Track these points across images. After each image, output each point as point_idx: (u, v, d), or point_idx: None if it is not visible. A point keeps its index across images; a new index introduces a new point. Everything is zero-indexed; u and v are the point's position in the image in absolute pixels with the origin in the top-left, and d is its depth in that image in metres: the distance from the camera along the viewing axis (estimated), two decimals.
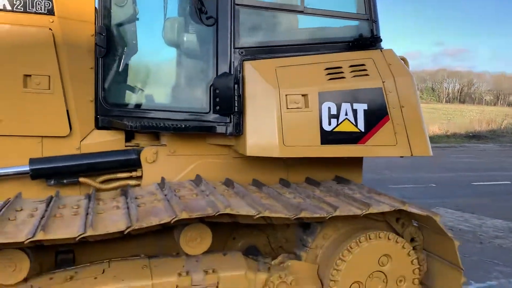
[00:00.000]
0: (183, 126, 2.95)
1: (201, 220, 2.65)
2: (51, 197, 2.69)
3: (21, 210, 2.48)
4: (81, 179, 3.06)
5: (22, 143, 3.00)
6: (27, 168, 2.90)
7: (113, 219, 2.32)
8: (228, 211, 2.35)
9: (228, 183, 3.09)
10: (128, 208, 2.49)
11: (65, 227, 2.19)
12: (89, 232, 2.10)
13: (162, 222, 2.23)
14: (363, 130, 3.10)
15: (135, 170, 3.17)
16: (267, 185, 3.12)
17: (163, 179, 3.05)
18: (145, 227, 2.25)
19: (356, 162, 3.67)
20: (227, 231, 3.30)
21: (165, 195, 2.67)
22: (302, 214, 2.51)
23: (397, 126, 3.16)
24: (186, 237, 2.63)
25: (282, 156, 2.94)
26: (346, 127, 3.07)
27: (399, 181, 11.22)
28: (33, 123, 2.98)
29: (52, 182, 3.00)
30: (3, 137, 2.93)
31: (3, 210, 2.40)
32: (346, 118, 3.08)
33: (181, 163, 3.22)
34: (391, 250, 2.87)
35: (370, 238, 2.83)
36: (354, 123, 3.08)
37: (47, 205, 2.50)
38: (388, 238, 2.86)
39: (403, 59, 3.42)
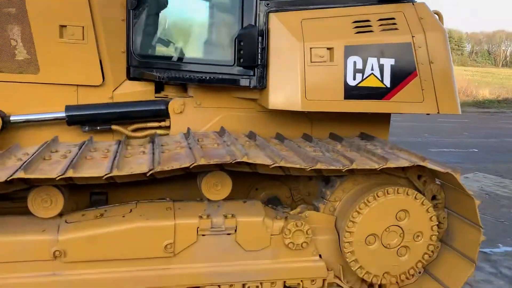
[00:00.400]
0: (208, 78, 3.03)
1: (222, 168, 2.77)
2: (84, 142, 2.88)
3: (56, 151, 2.68)
4: (114, 127, 3.23)
5: (60, 91, 3.18)
6: (63, 115, 3.09)
7: (138, 162, 2.47)
8: (244, 159, 2.44)
9: (251, 135, 3.18)
10: (153, 153, 2.63)
11: (93, 167, 2.36)
12: (115, 172, 2.26)
13: (182, 166, 2.36)
14: (388, 86, 3.05)
15: (164, 120, 3.31)
16: (289, 139, 3.17)
17: (189, 129, 3.17)
18: (167, 171, 2.39)
19: (383, 120, 3.64)
20: (250, 182, 3.43)
21: (188, 144, 2.79)
22: (318, 166, 2.56)
23: (424, 82, 3.10)
24: (207, 184, 2.76)
25: (304, 110, 2.97)
26: (372, 82, 3.04)
27: (441, 145, 10.95)
28: (68, 72, 3.15)
29: (87, 128, 3.19)
30: (42, 85, 3.12)
31: (40, 150, 2.61)
32: (372, 73, 3.04)
33: (206, 115, 3.32)
34: (409, 205, 2.89)
35: (388, 193, 2.85)
36: (380, 78, 3.04)
37: (80, 148, 2.69)
38: (407, 194, 2.88)
39: (437, 13, 3.29)
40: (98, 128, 3.21)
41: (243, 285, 2.84)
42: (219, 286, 2.80)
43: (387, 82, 3.05)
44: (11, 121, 3.06)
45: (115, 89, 3.29)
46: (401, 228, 2.92)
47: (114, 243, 2.58)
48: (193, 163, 2.37)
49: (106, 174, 2.27)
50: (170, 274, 2.70)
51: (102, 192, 3.16)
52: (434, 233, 2.97)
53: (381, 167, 2.65)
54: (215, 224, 2.71)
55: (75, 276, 2.57)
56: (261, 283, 2.87)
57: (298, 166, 2.56)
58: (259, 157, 2.53)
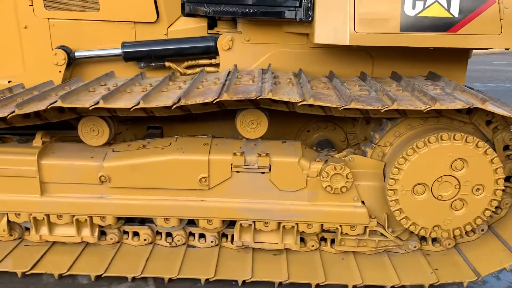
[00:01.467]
0: (252, 11, 2.89)
1: (259, 106, 2.70)
2: (134, 76, 3.00)
3: (105, 85, 2.83)
4: (167, 64, 3.30)
5: (118, 28, 3.32)
6: (120, 51, 3.23)
7: (168, 96, 2.50)
8: (269, 96, 2.32)
9: (298, 73, 3.01)
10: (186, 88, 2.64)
11: (125, 99, 2.46)
12: (141, 105, 2.33)
13: (204, 101, 2.34)
14: (456, 16, 2.62)
15: (214, 58, 3.29)
16: (341, 78, 2.94)
17: (235, 66, 3.11)
18: (191, 104, 2.40)
19: (458, 59, 3.18)
20: (302, 124, 3.31)
21: (226, 80, 2.74)
22: (352, 105, 2.34)
23: (506, 11, 2.59)
24: (242, 121, 2.72)
25: (352, 44, 2.70)
26: (435, 11, 2.63)
27: None
28: (126, 9, 3.25)
29: (142, 64, 3.31)
30: (101, 22, 3.28)
31: (90, 82, 2.79)
32: (436, 1, 2.62)
33: (256, 52, 3.21)
34: (469, 154, 2.53)
35: (442, 139, 2.53)
36: (446, 7, 2.61)
37: (124, 82, 2.81)
38: (466, 141, 2.51)
39: None
40: (153, 64, 3.31)
41: (278, 223, 2.82)
42: (254, 222, 2.82)
43: (454, 11, 2.61)
44: (76, 57, 3.29)
45: (169, 26, 3.32)
46: (457, 179, 2.60)
47: (152, 173, 2.71)
48: (215, 98, 2.33)
49: (133, 106, 2.34)
50: (206, 206, 2.78)
51: (158, 127, 3.31)
52: (499, 187, 2.59)
53: (428, 109, 2.33)
54: (248, 162, 2.69)
55: (119, 200, 2.78)
56: (297, 224, 2.82)
57: (329, 104, 2.37)
58: (287, 94, 2.40)
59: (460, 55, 3.15)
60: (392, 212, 2.69)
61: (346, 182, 2.70)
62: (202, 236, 2.99)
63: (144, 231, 2.96)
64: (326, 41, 2.77)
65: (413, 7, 2.63)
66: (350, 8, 2.65)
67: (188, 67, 3.34)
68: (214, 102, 2.34)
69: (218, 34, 3.27)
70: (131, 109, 2.36)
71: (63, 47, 3.27)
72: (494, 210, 2.74)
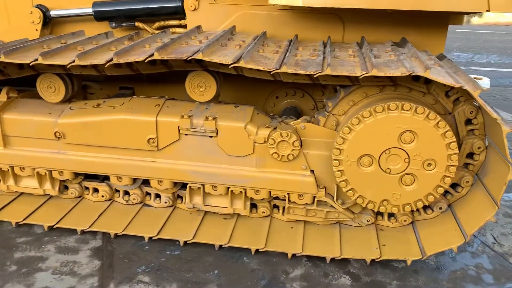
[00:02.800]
0: None
1: (207, 69, 2.65)
2: (97, 35, 3.03)
3: (65, 43, 2.87)
4: (137, 24, 3.31)
5: None
6: (90, 10, 3.26)
7: (105, 55, 2.50)
8: (199, 56, 2.27)
9: (259, 36, 2.91)
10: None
11: (64, 57, 2.48)
12: (76, 62, 2.36)
13: (136, 60, 2.32)
14: None
15: (184, 18, 3.24)
16: (302, 42, 2.82)
17: (199, 27, 3.06)
18: (126, 63, 2.40)
19: (437, 25, 2.94)
20: (271, 90, 3.23)
21: (173, 39, 2.69)
22: (283, 69, 2.24)
23: None
24: (191, 83, 2.69)
25: (304, 5, 2.56)
26: None
27: None
28: None
29: (114, 24, 3.33)
30: None
31: (51, 39, 2.86)
32: None
33: (222, 13, 3.13)
34: (418, 126, 2.37)
35: (389, 109, 2.38)
36: None
37: (79, 40, 2.84)
38: (416, 112, 2.35)
39: None
40: (123, 24, 3.32)
41: (227, 188, 2.81)
42: (203, 185, 2.83)
43: None
44: (52, 16, 3.36)
45: None
46: (406, 152, 2.45)
47: (103, 131, 2.76)
48: (147, 58, 2.30)
49: (68, 64, 2.37)
50: (155, 167, 2.81)
51: (129, 87, 3.35)
52: (453, 163, 2.42)
53: (364, 75, 2.18)
54: (195, 125, 2.67)
55: (74, 156, 2.87)
56: (245, 189, 2.80)
57: (260, 68, 2.28)
58: (220, 56, 2.33)
59: (438, 21, 2.91)
60: (338, 183, 2.60)
61: (293, 150, 2.62)
62: (158, 196, 3.04)
63: (103, 188, 3.05)
64: (279, 2, 2.65)
65: None
66: None
67: (158, 28, 3.32)
68: (145, 61, 2.32)
69: None
70: (67, 66, 2.40)
71: (39, 6, 3.34)
72: (452, 188, 2.58)
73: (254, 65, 2.28)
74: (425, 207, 2.76)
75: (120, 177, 2.92)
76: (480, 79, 3.66)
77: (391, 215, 2.84)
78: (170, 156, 2.78)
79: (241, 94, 2.94)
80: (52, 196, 3.10)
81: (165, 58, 2.31)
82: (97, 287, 2.41)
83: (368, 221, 2.83)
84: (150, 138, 2.73)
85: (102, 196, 3.05)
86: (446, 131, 2.36)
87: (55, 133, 2.81)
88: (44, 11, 3.34)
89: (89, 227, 2.82)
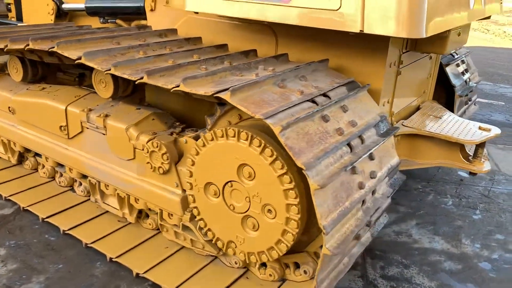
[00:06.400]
0: None
1: None
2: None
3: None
4: (117, 21, 3.49)
5: None
6: (83, 6, 3.58)
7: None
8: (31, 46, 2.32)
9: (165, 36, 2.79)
10: None
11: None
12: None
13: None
14: None
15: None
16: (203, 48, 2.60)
17: (147, 26, 3.08)
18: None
19: (374, 47, 2.34)
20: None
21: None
22: (112, 71, 2.10)
23: None
24: (95, 79, 2.73)
25: (192, 10, 2.35)
26: None
27: None
28: None
29: (101, 20, 3.58)
30: None
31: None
32: None
33: (173, 16, 3.08)
34: (255, 161, 1.95)
35: (227, 135, 2.02)
36: None
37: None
38: (252, 144, 1.93)
39: None
40: (109, 21, 3.55)
41: (115, 189, 2.76)
42: (99, 182, 2.84)
43: None
44: (64, 9, 3.80)
45: None
46: (246, 190, 2.04)
47: (32, 113, 3.02)
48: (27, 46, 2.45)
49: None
50: (66, 154, 2.94)
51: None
52: (293, 216, 1.91)
53: (174, 89, 1.90)
54: (90, 120, 2.71)
55: (20, 131, 3.20)
56: (128, 195, 2.71)
57: (92, 65, 2.19)
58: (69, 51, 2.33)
59: (376, 42, 2.31)
60: (192, 209, 2.32)
61: (162, 163, 2.43)
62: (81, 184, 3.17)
63: (47, 166, 3.31)
64: (181, 8, 2.48)
65: None
66: None
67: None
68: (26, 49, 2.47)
69: None
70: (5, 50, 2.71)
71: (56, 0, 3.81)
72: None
73: (121, 72, 2.19)
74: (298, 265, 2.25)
75: (47, 157, 3.14)
76: (488, 130, 2.78)
77: (264, 263, 2.39)
78: (77, 146, 2.88)
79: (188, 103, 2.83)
80: (15, 164, 3.49)
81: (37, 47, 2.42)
82: None
83: (236, 263, 2.43)
84: (61, 126, 2.87)
85: (44, 173, 3.32)
86: (283, 174, 1.88)
87: (9, 107, 3.18)
88: (58, 4, 3.79)
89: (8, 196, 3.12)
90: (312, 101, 2.00)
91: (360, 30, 1.81)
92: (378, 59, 2.34)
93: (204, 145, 2.13)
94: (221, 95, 1.80)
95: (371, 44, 2.31)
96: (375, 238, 2.54)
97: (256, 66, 2.27)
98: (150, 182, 2.55)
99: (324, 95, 2.09)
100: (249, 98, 1.83)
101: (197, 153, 2.17)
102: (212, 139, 2.08)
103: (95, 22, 3.62)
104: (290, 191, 1.88)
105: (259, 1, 2.08)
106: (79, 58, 2.30)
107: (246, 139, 1.95)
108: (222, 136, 2.04)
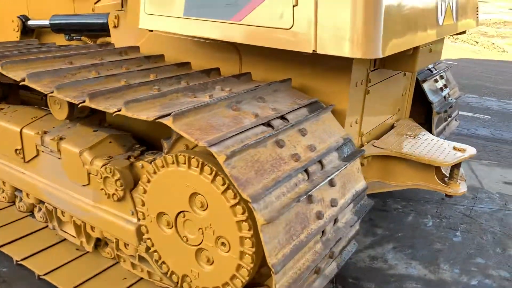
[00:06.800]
0: None
1: None
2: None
3: None
4: (82, 38, 3.37)
5: (62, 1, 3.53)
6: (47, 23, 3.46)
7: None
8: None
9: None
10: None
11: None
12: None
13: None
14: None
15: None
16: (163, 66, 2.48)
17: (110, 43, 2.96)
18: None
19: (339, 67, 2.22)
20: None
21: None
22: (54, 93, 1.97)
23: None
24: (50, 100, 2.58)
25: (146, 28, 2.23)
26: None
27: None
28: None
29: (67, 37, 3.46)
30: None
31: None
32: None
33: (137, 32, 2.93)
34: (206, 190, 1.81)
35: (178, 161, 1.88)
36: None
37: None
38: (202, 171, 1.79)
39: None
40: (74, 38, 3.42)
41: (72, 217, 2.61)
42: (55, 208, 2.69)
43: None
44: (30, 26, 3.68)
45: (96, 2, 3.36)
46: (199, 220, 1.90)
47: None
48: None
49: None
50: (23, 179, 2.78)
51: None
52: (247, 250, 1.77)
53: (115, 112, 1.76)
54: (45, 143, 2.56)
55: None
56: (84, 223, 2.56)
57: (36, 87, 2.06)
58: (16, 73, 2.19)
59: (340, 61, 2.19)
60: (146, 240, 2.17)
61: (116, 189, 2.28)
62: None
63: (7, 189, 3.14)
64: (137, 26, 2.36)
65: None
66: None
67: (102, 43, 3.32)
68: None
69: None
70: None
71: (21, 16, 3.69)
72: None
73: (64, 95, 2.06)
74: None
75: (4, 181, 2.98)
76: (462, 150, 2.66)
77: None
78: (33, 171, 2.73)
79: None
80: None
81: None
82: None
83: None
84: (16, 149, 2.72)
85: (3, 197, 3.16)
86: (235, 204, 1.74)
87: None
88: (24, 21, 3.66)
89: None
90: (268, 124, 1.87)
91: (313, 51, 1.70)
92: (343, 79, 2.22)
93: (155, 172, 1.99)
94: (163, 120, 1.67)
95: (335, 63, 2.20)
96: (348, 264, 2.40)
97: (213, 86, 2.14)
98: (106, 209, 2.40)
99: (282, 117, 1.96)
100: (196, 123, 1.70)
101: (149, 181, 2.03)
102: (163, 166, 1.94)
103: (61, 39, 3.50)
104: (243, 222, 1.74)
105: (211, 19, 1.96)
106: (23, 80, 2.16)
107: (197, 166, 1.81)
108: (173, 163, 1.90)
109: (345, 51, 1.64)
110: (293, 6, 1.70)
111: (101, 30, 3.19)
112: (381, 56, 1.65)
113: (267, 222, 1.50)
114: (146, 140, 2.54)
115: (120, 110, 1.79)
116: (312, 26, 1.66)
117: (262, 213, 1.51)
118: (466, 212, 3.57)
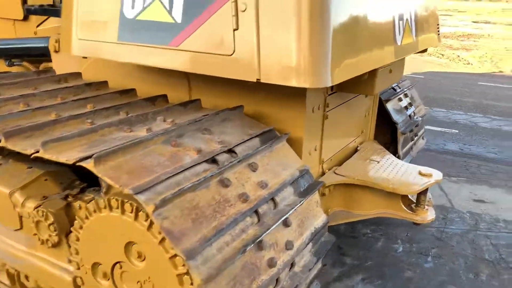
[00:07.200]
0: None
1: None
2: None
3: None
4: (24, 63, 3.12)
5: (3, 24, 3.29)
6: None
7: None
8: None
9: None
10: None
11: None
12: None
13: None
14: (179, 21, 1.67)
15: None
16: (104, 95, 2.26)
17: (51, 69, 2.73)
18: None
19: (293, 93, 2.05)
20: None
21: None
22: None
23: (243, 15, 1.53)
24: None
25: (78, 55, 2.02)
26: (156, 13, 1.73)
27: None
28: (2, 6, 3.19)
29: (7, 63, 3.20)
30: None
31: None
32: None
33: (80, 58, 2.72)
34: (141, 240, 1.59)
35: (110, 206, 1.66)
36: (167, 7, 1.69)
37: None
38: (137, 218, 1.57)
39: None
40: (15, 64, 3.17)
41: (4, 264, 2.33)
42: None
43: (177, 13, 1.67)
44: None
45: (38, 25, 3.13)
46: (137, 273, 1.67)
47: None
48: None
49: None
50: None
51: None
52: None
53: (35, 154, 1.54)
54: None
55: None
56: (17, 272, 2.28)
57: None
58: None
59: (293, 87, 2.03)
60: None
61: (50, 235, 2.03)
62: None
63: None
64: (70, 52, 2.15)
65: (133, 7, 1.79)
66: (76, 6, 1.98)
67: (44, 69, 3.08)
68: None
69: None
70: None
71: None
72: None
73: None
74: None
75: None
76: (429, 175, 2.52)
77: None
78: None
79: None
80: None
81: None
82: None
83: None
84: None
85: None
86: (175, 255, 1.52)
87: None
88: None
89: None
90: (212, 161, 1.67)
91: (257, 79, 1.52)
92: (297, 105, 2.05)
93: (87, 218, 1.76)
94: (83, 163, 1.45)
95: (288, 89, 2.02)
96: None
97: (154, 117, 1.94)
98: (41, 256, 2.14)
99: (230, 151, 1.76)
100: (124, 165, 1.49)
101: (81, 227, 1.79)
102: (95, 211, 1.71)
103: (1, 65, 3.24)
104: (185, 276, 1.52)
105: (148, 44, 1.76)
106: None
107: (131, 212, 1.59)
108: (105, 207, 1.67)
109: (291, 81, 1.47)
110: (234, 30, 1.52)
111: (42, 55, 2.96)
112: (330, 84, 1.49)
113: (205, 282, 1.29)
114: (88, 175, 2.31)
115: (38, 152, 1.56)
116: (255, 53, 1.49)
117: (200, 271, 1.30)
118: (437, 235, 3.44)
